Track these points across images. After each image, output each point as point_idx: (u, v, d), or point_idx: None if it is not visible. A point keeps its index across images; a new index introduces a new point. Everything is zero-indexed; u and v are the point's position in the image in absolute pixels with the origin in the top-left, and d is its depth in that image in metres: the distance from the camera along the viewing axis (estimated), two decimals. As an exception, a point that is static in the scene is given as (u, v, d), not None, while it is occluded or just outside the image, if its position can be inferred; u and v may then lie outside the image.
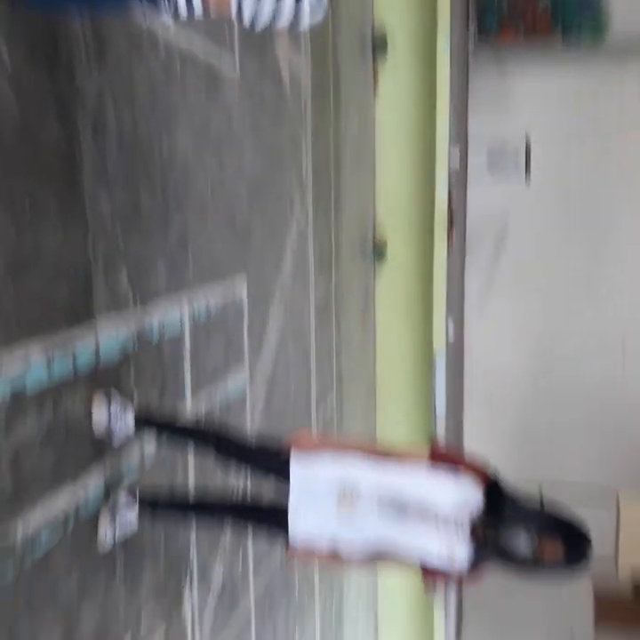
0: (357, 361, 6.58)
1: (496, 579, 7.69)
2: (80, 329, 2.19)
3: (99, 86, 2.30)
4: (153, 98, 2.67)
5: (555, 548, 1.97)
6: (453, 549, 2.06)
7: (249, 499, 2.80)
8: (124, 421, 2.29)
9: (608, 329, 9.80)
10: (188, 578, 2.98)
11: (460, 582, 2.25)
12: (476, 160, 8.59)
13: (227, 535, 3.40)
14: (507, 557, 2.03)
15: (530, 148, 8.12)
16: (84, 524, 2.21)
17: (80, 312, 2.21)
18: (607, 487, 8.95)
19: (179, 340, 2.84)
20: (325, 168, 5.36)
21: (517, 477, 8.23)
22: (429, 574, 2.18)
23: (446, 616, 7.27)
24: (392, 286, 7.03)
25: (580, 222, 9.73)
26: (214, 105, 3.26)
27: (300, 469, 2.18)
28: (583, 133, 9.41)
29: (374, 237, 7.05)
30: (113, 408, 2.26)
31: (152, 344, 2.64)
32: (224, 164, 3.37)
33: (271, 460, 2.27)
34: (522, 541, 1.98)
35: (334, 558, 2.22)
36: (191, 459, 2.97)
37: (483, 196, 9.49)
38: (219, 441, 2.40)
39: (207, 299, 3.14)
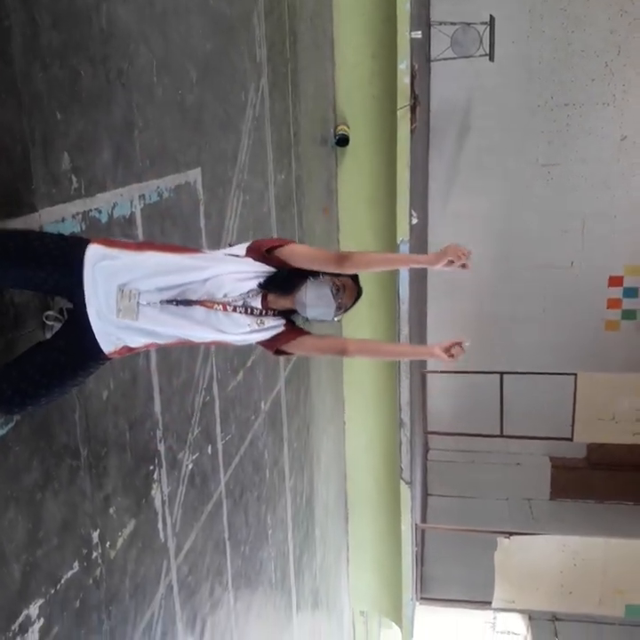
0: (321, 253, 6.51)
1: (459, 456, 7.98)
2: (22, 217, 2.08)
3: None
4: (85, -39, 2.43)
5: (349, 286, 2.09)
6: (254, 324, 2.08)
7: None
8: None
9: (569, 217, 9.86)
10: (156, 468, 3.03)
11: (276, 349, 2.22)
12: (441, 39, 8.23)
13: (195, 423, 3.44)
14: (318, 306, 2.07)
15: (494, 27, 7.78)
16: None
17: (21, 198, 2.08)
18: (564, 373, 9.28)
19: (130, 222, 2.73)
20: (281, 50, 5.07)
21: (478, 367, 8.40)
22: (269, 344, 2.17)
23: (412, 491, 7.65)
24: (355, 175, 6.86)
25: (543, 105, 9.55)
26: (155, -28, 3.00)
27: (91, 272, 1.93)
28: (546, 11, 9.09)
29: (335, 125, 6.81)
30: None
31: (101, 225, 2.53)
32: (170, 40, 3.14)
33: (63, 258, 1.93)
34: (322, 290, 2.05)
35: (149, 347, 2.12)
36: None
37: (447, 78, 9.18)
38: None
39: (159, 187, 3.00)
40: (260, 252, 2.10)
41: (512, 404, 9.70)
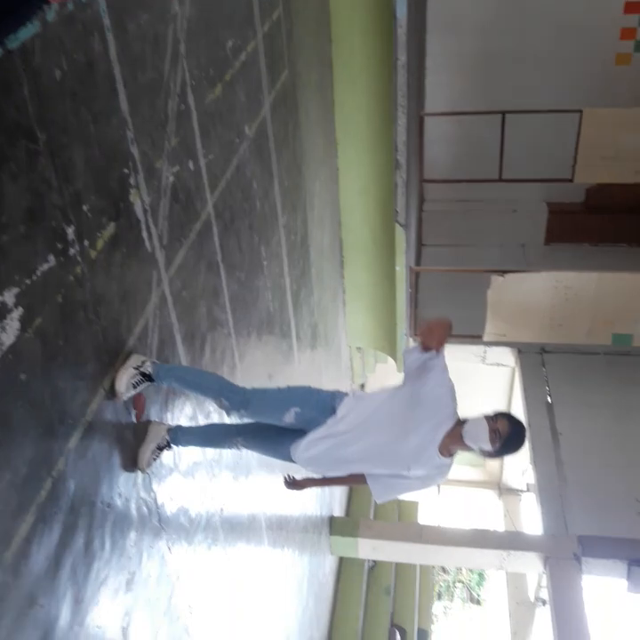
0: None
1: (454, 205, 7.68)
2: None
3: None
4: None
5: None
6: None
7: None
8: None
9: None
10: (131, 172, 2.76)
11: None
12: None
13: (171, 132, 3.12)
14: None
15: None
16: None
17: None
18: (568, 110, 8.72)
19: None
20: None
21: (481, 105, 7.80)
22: None
23: (407, 234, 7.57)
24: None
25: None
26: None
27: None
28: None
29: None
30: None
31: None
32: None
33: None
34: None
35: None
36: None
37: None
38: None
39: None
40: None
41: (512, 147, 9.25)
